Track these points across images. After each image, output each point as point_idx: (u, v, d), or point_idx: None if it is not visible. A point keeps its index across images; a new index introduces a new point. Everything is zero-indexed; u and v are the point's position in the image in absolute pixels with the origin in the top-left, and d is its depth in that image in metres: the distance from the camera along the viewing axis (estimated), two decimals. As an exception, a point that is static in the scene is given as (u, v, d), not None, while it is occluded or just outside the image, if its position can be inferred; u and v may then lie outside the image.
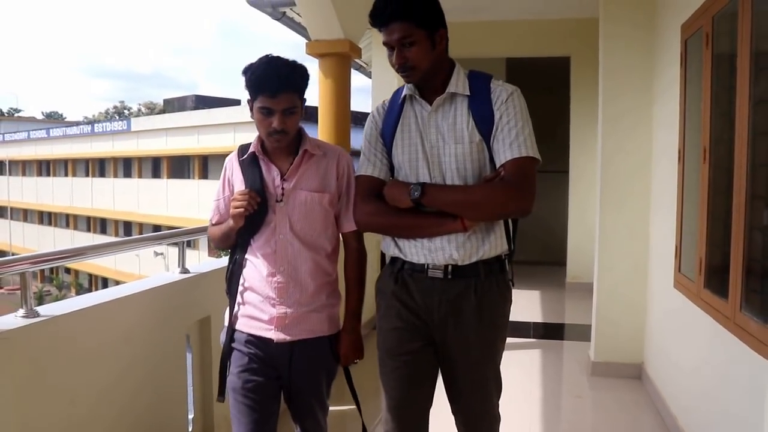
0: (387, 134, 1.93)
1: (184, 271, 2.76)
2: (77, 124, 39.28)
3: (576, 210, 7.01)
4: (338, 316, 2.05)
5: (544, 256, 8.32)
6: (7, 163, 36.70)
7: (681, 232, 3.31)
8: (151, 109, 60.19)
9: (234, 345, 1.99)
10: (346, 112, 4.44)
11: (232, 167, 2.02)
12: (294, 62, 1.86)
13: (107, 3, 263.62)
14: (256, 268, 1.95)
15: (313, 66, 4.45)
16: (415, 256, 1.86)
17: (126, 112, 66.47)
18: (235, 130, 22.04)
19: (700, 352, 2.92)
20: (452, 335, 1.86)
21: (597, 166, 4.22)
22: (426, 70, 1.80)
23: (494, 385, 1.96)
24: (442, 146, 1.83)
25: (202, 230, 2.76)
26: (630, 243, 4.10)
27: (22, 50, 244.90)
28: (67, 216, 33.05)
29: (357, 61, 7.10)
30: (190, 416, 2.75)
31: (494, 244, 1.85)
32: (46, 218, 34.79)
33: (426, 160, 1.85)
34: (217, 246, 2.12)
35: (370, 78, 7.43)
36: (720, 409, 2.57)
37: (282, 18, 5.81)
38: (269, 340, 1.94)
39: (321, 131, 4.40)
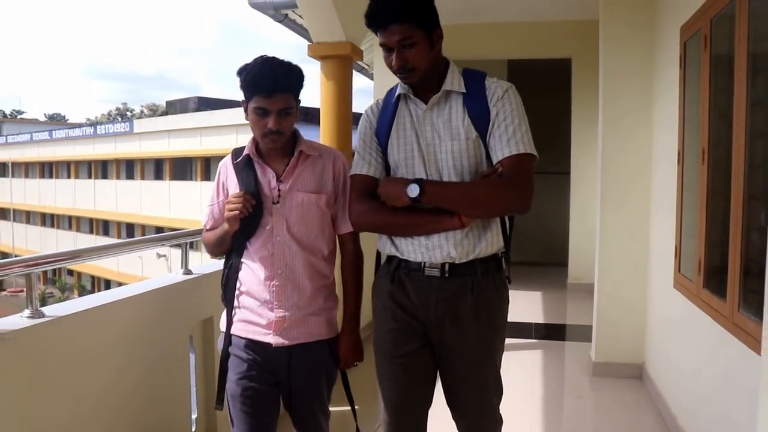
0: (382, 133, 1.91)
1: (187, 272, 2.78)
2: (80, 125, 39.28)
3: (577, 211, 6.99)
4: (336, 320, 2.04)
5: (545, 257, 8.33)
6: (10, 165, 36.79)
7: (681, 232, 3.31)
8: (154, 111, 60.30)
9: (232, 351, 1.96)
10: (348, 114, 4.46)
11: (227, 171, 2.00)
12: (289, 63, 1.86)
13: (110, 5, 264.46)
14: (252, 272, 1.93)
15: (315, 68, 4.51)
16: (412, 254, 1.85)
17: (128, 113, 66.69)
18: (238, 131, 22.01)
19: (700, 352, 2.93)
20: (450, 335, 1.85)
21: (597, 167, 4.23)
22: (425, 70, 1.80)
23: (494, 387, 1.94)
24: (438, 143, 1.83)
25: (204, 231, 2.78)
26: (630, 244, 4.11)
27: (25, 52, 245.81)
28: (70, 218, 33.08)
29: (359, 63, 7.13)
30: (194, 416, 2.76)
31: (491, 241, 1.85)
32: (49, 220, 34.83)
33: (422, 158, 1.84)
34: (211, 252, 2.06)
35: (372, 80, 7.46)
36: (720, 409, 2.58)
37: (284, 20, 5.81)
38: (268, 345, 1.91)
39: (323, 133, 4.41)
